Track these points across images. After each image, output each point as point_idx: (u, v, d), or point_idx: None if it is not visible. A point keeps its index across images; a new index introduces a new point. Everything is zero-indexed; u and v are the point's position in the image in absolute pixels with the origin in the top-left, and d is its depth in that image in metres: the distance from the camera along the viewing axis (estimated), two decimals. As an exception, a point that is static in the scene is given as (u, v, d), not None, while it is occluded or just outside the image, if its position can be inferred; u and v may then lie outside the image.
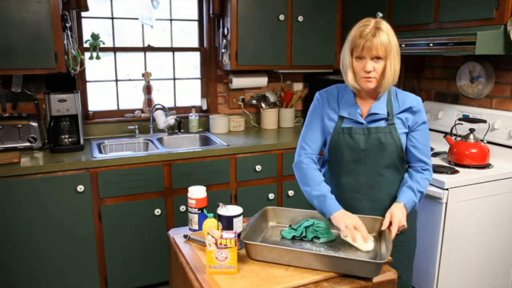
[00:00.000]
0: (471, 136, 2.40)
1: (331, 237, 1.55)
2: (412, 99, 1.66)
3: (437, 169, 2.27)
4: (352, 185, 1.69)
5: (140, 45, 3.15)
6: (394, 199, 1.65)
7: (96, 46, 2.85)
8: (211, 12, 3.09)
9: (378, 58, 1.52)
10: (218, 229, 1.42)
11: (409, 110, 1.64)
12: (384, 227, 1.53)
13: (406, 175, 1.69)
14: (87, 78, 3.00)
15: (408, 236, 1.72)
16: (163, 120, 3.05)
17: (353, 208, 1.67)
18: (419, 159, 1.66)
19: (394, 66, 1.55)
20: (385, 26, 1.53)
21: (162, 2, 3.03)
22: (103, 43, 2.89)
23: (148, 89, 3.16)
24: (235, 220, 1.53)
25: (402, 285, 1.71)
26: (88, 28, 2.93)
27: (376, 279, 1.32)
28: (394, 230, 1.51)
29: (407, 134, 1.65)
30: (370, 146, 1.62)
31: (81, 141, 2.67)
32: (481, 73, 2.63)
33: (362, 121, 1.63)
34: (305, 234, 1.55)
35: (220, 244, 1.32)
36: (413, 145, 1.65)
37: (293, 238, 1.56)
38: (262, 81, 3.34)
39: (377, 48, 1.50)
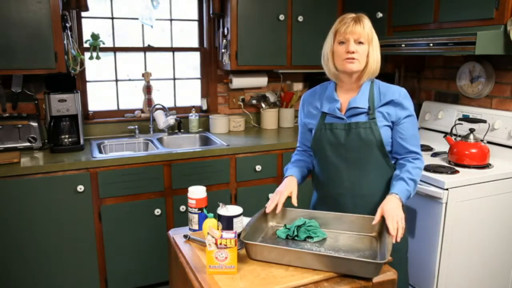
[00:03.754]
0: (471, 136, 2.40)
1: (323, 235, 1.56)
2: (394, 91, 1.64)
3: (437, 169, 2.27)
4: (335, 181, 1.70)
5: (140, 45, 3.15)
6: (377, 195, 1.65)
7: (96, 46, 2.85)
8: (211, 12, 3.09)
9: (360, 43, 1.58)
10: (218, 229, 1.42)
11: (390, 103, 1.63)
12: (374, 222, 1.51)
13: (396, 170, 1.66)
14: (87, 78, 3.00)
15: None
16: (163, 120, 3.05)
17: (337, 203, 1.68)
18: (408, 150, 1.65)
19: (376, 56, 1.61)
20: (367, 19, 1.63)
21: (162, 2, 3.03)
22: (103, 43, 2.89)
23: (148, 89, 3.16)
24: (235, 220, 1.53)
25: None
26: (88, 28, 2.93)
27: (376, 279, 1.32)
28: (390, 226, 1.45)
29: (391, 127, 1.64)
30: (350, 142, 1.63)
31: (81, 141, 2.67)
32: (481, 73, 2.63)
33: (342, 116, 1.64)
34: (296, 234, 1.55)
35: (220, 244, 1.32)
36: (401, 136, 1.64)
37: (287, 237, 1.57)
38: (262, 81, 3.34)
39: (360, 33, 1.58)
